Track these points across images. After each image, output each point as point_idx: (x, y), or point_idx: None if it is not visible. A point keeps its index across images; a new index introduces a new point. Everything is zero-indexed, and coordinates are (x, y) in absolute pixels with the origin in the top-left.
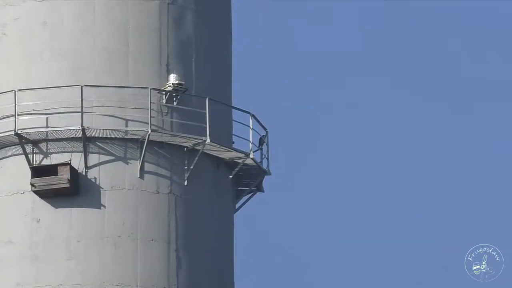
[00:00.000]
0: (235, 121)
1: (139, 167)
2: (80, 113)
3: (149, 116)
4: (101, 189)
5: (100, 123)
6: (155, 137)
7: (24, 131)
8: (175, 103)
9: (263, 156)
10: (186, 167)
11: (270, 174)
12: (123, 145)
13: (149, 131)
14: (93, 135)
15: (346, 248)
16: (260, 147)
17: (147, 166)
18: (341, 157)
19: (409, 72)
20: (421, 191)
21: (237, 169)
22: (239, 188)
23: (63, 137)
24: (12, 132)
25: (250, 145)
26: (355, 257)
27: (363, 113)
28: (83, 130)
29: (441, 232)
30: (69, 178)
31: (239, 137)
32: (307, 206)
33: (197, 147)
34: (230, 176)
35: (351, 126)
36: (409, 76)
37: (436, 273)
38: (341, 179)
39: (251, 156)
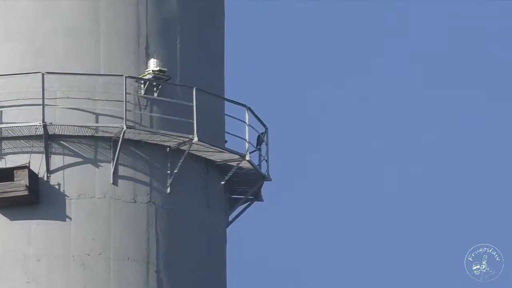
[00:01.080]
0: (228, 115)
1: (112, 171)
2: (41, 106)
3: (124, 109)
4: (66, 197)
5: (65, 118)
6: (132, 134)
7: None
8: (155, 94)
9: (262, 158)
10: (169, 171)
11: (270, 179)
12: (93, 144)
13: (124, 127)
14: (56, 132)
15: (352, 257)
16: (259, 147)
17: (122, 170)
18: (351, 158)
19: (413, 70)
20: (422, 191)
21: (230, 173)
22: (233, 196)
23: (20, 134)
24: None
25: (247, 144)
26: (357, 259)
27: (368, 110)
28: (45, 126)
29: (441, 232)
30: (27, 184)
31: (233, 135)
32: (314, 218)
33: (182, 147)
34: (222, 182)
35: (358, 123)
36: (413, 75)
37: (436, 273)
38: (351, 184)
39: (247, 158)
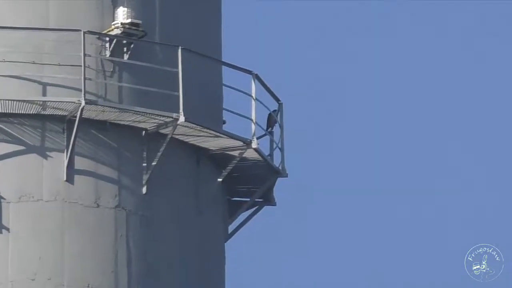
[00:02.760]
0: (227, 86)
1: (65, 163)
2: None
3: (83, 77)
4: (2, 200)
5: (0, 90)
6: (93, 113)
7: None
8: (126, 57)
9: (274, 146)
10: (145, 164)
11: (285, 175)
12: (39, 126)
13: (83, 103)
14: None
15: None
16: (270, 129)
17: (80, 162)
18: (385, 147)
19: (420, 69)
20: (422, 190)
21: (230, 166)
22: (235, 198)
23: None
24: None
25: (253, 126)
26: (360, 259)
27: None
28: None
29: (441, 232)
30: None
31: (235, 113)
32: (342, 226)
33: (163, 130)
34: (220, 179)
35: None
36: (419, 74)
37: (436, 273)
38: (385, 179)
39: (254, 145)
